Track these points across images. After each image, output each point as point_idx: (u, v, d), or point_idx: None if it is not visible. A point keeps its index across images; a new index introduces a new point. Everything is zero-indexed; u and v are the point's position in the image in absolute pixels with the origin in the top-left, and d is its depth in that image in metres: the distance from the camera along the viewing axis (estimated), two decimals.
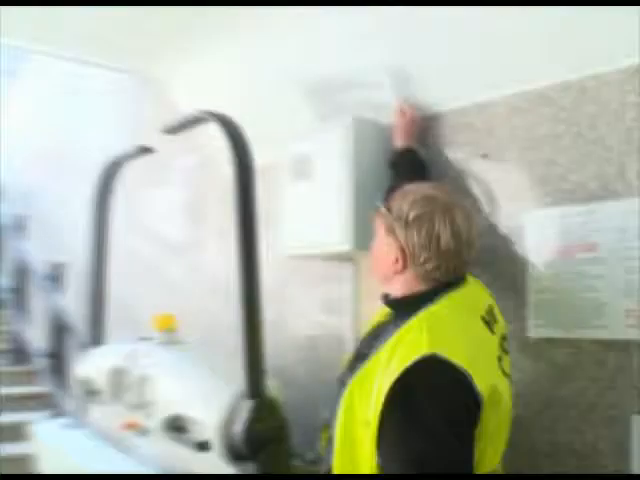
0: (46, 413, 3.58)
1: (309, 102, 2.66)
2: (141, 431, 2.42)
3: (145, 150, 2.70)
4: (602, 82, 1.87)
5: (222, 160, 3.34)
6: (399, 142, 2.26)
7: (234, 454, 1.99)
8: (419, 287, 1.62)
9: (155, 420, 2.28)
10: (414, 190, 1.64)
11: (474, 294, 1.68)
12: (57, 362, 4.89)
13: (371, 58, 2.33)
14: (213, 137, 3.17)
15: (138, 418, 2.42)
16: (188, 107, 2.92)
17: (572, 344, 1.92)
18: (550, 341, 1.98)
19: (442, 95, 2.29)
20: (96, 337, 3.01)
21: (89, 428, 2.77)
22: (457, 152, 2.28)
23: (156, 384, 2.33)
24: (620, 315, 1.79)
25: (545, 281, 1.99)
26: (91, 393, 2.74)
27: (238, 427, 1.95)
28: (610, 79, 1.86)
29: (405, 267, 1.61)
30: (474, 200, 2.19)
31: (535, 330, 2.01)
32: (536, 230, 2.03)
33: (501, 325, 1.69)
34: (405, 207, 1.59)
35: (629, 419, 1.79)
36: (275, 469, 2.00)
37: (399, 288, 1.66)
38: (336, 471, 1.59)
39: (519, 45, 1.96)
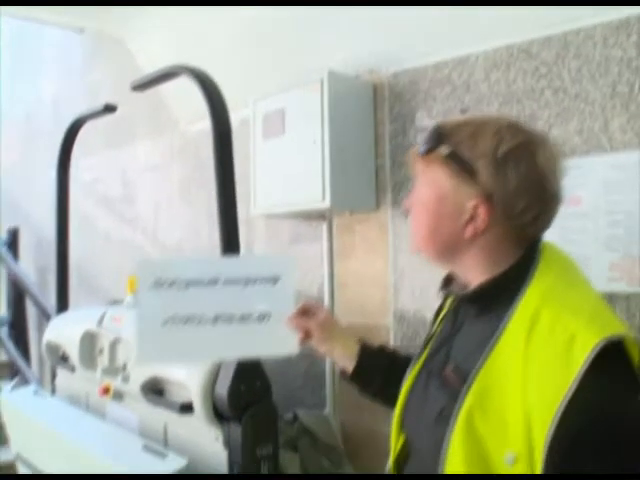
0: (10, 382, 3.50)
1: (278, 57, 2.60)
2: (117, 395, 2.38)
3: (109, 108, 2.62)
4: (585, 36, 1.87)
5: (186, 119, 3.31)
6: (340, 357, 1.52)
7: (218, 415, 1.97)
8: (510, 253, 1.15)
9: (132, 384, 2.25)
10: (486, 119, 1.19)
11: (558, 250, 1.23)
12: (18, 330, 4.77)
13: (348, 11, 2.27)
14: (177, 97, 3.15)
15: (113, 382, 2.38)
16: (149, 65, 2.86)
17: None
18: None
19: (422, 49, 2.26)
20: (62, 303, 2.94)
21: (59, 394, 2.73)
22: (437, 106, 2.26)
23: (132, 347, 2.29)
24: (604, 269, 1.82)
25: None
26: (62, 359, 2.69)
27: (222, 388, 1.93)
28: (594, 33, 1.86)
29: (489, 225, 1.12)
30: None
31: None
32: None
33: None
34: (489, 140, 1.12)
35: None
36: (259, 430, 1.98)
37: (479, 262, 1.17)
38: None
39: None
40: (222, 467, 1.97)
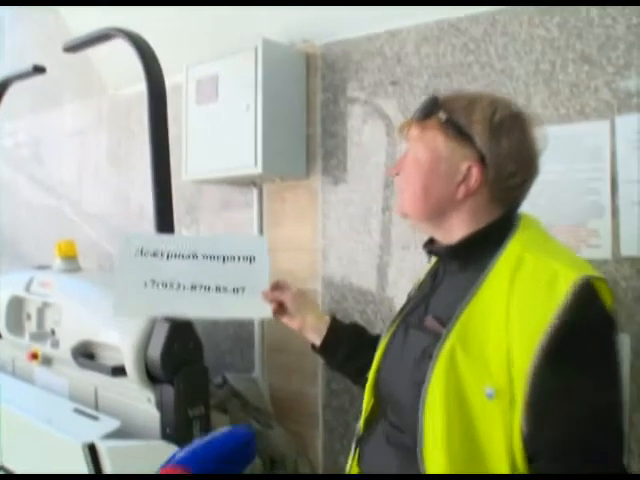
0: None
1: (212, 25, 2.59)
2: (45, 360, 2.37)
3: (38, 69, 2.55)
4: (512, 15, 1.96)
5: (116, 84, 3.25)
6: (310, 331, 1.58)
7: (150, 377, 1.99)
8: (493, 214, 1.24)
9: (62, 348, 2.24)
10: (480, 93, 1.31)
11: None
12: None
13: None
14: (107, 61, 3.10)
15: (42, 348, 2.36)
16: (78, 28, 2.80)
17: None
18: None
19: (355, 21, 2.30)
20: None
21: None
22: (368, 77, 2.32)
23: (62, 312, 2.28)
24: None
25: None
26: None
27: (155, 350, 1.95)
28: (519, 12, 1.94)
29: (479, 186, 1.21)
30: (388, 122, 2.24)
31: None
32: None
33: None
34: (485, 108, 1.21)
35: None
36: (191, 391, 2.01)
37: (465, 221, 1.24)
38: (450, 469, 1.10)
39: None
40: (154, 428, 2.00)
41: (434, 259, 1.41)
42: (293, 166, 2.47)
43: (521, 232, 1.20)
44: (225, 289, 1.47)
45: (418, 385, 1.14)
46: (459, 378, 1.10)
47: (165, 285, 1.46)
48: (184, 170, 2.54)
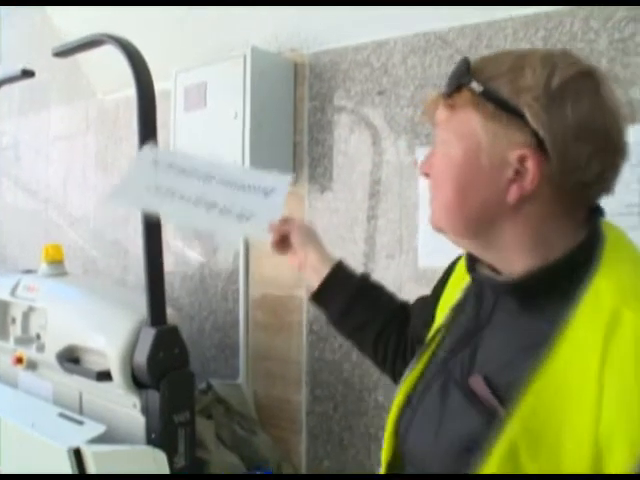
0: None
1: (200, 31, 2.61)
2: (30, 365, 2.37)
3: (27, 73, 2.56)
4: (497, 28, 1.99)
5: (104, 89, 3.26)
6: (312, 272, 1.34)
7: (136, 383, 2.01)
8: (564, 224, 0.86)
9: (47, 353, 2.24)
10: (528, 49, 0.89)
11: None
12: None
13: None
14: (95, 65, 3.11)
15: (26, 352, 2.36)
16: (67, 32, 2.81)
17: None
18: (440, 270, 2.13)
19: (343, 32, 2.33)
20: None
21: None
22: (355, 87, 2.35)
23: (48, 316, 2.28)
24: None
25: None
26: None
27: (141, 356, 1.96)
28: (505, 26, 1.98)
29: (539, 184, 0.82)
30: (375, 132, 2.27)
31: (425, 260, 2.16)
32: None
33: None
34: (540, 69, 0.82)
35: None
36: (176, 396, 2.03)
37: (524, 238, 0.86)
38: None
39: None
40: (140, 433, 2.01)
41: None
42: (280, 173, 2.48)
43: (611, 264, 0.82)
44: (229, 212, 1.36)
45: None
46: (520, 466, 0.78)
47: (169, 193, 1.38)
48: None
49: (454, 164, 0.87)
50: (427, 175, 0.94)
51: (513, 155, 0.82)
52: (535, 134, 0.80)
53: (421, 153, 2.16)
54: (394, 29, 2.20)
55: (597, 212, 0.89)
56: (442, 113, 0.90)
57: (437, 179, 0.91)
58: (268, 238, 1.33)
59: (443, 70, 2.11)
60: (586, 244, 0.84)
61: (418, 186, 2.17)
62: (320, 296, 1.30)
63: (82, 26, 2.37)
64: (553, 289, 0.83)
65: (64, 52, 2.17)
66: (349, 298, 1.28)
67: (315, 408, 2.45)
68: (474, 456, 0.80)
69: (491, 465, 0.78)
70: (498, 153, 0.83)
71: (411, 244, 2.19)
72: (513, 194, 0.83)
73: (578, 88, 0.81)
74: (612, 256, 0.83)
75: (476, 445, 0.80)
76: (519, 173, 0.82)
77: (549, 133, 0.79)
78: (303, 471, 2.48)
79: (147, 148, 1.51)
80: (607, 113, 0.82)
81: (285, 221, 1.34)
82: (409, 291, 2.19)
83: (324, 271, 1.29)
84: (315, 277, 1.30)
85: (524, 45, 1.93)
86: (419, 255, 2.17)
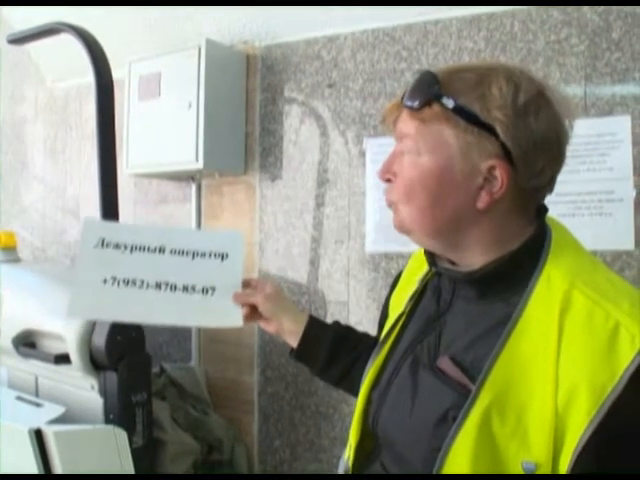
0: None
1: (153, 23, 2.65)
2: None
3: None
4: (442, 27, 2.11)
5: (54, 76, 3.25)
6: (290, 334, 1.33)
7: (95, 365, 2.05)
8: (520, 225, 0.96)
9: (3, 337, 2.26)
10: (487, 65, 0.99)
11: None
12: None
13: None
14: (45, 53, 3.10)
15: None
16: (19, 21, 2.80)
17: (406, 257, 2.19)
18: (387, 255, 2.25)
19: (295, 26, 2.42)
20: None
21: None
22: (306, 79, 2.44)
23: (2, 301, 2.30)
24: None
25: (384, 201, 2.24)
26: None
27: (99, 339, 2.01)
28: (450, 25, 2.10)
29: (506, 189, 0.92)
30: (324, 123, 2.36)
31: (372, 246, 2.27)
32: (375, 156, 2.26)
33: None
34: (506, 87, 0.91)
35: None
36: (134, 378, 2.08)
37: (487, 237, 0.96)
38: None
39: None
40: (98, 414, 2.05)
41: (419, 262, 1.15)
42: (232, 162, 2.57)
43: (559, 253, 0.94)
44: (193, 288, 1.29)
45: (435, 452, 0.90)
46: (493, 451, 0.87)
47: (127, 282, 1.29)
48: (125, 164, 2.60)
49: (428, 174, 0.94)
50: (388, 181, 1.00)
51: (484, 165, 0.91)
52: (503, 146, 0.89)
53: (369, 144, 2.26)
54: (345, 25, 2.29)
55: (543, 209, 1.00)
56: (408, 124, 0.96)
57: (407, 187, 0.96)
58: (240, 322, 1.27)
59: (390, 65, 2.22)
60: (535, 237, 0.95)
61: (366, 175, 2.28)
62: (301, 354, 1.32)
63: (32, 15, 2.39)
64: (508, 278, 0.94)
65: (19, 40, 2.19)
66: (329, 351, 1.31)
67: (267, 389, 2.54)
68: (450, 427, 0.88)
69: (467, 433, 0.87)
70: (469, 163, 0.91)
71: (359, 230, 2.30)
72: (483, 200, 0.92)
73: (538, 104, 0.91)
74: (558, 247, 0.95)
75: (451, 417, 0.89)
76: (487, 181, 0.91)
77: (515, 145, 0.89)
78: (255, 450, 2.57)
79: (88, 225, 1.36)
80: (558, 125, 0.93)
81: (249, 285, 1.30)
82: (357, 274, 2.31)
83: (299, 330, 1.30)
84: (292, 338, 1.31)
85: (468, 43, 2.06)
86: (366, 241, 2.28)
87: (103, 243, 1.31)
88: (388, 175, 1.00)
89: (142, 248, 1.32)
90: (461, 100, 0.91)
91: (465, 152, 0.91)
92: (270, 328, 1.31)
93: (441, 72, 0.95)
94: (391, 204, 1.01)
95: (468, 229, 0.95)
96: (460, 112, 0.90)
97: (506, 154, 0.90)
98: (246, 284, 1.29)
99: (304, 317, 1.32)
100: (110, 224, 1.52)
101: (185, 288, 1.29)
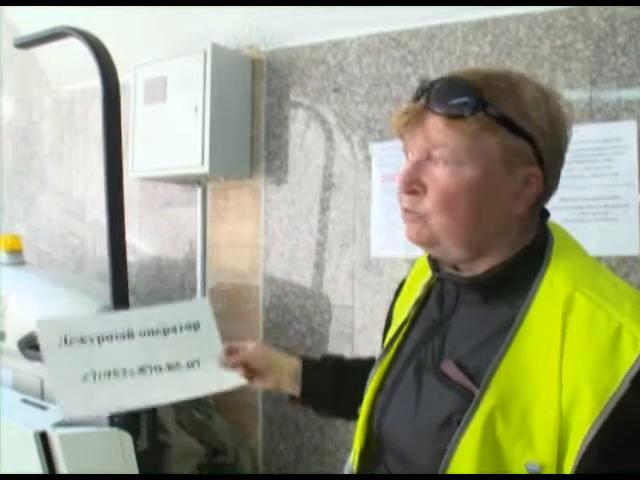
0: None
1: (160, 27, 2.66)
2: None
3: None
4: (448, 32, 2.11)
5: (59, 80, 3.27)
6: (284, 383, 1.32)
7: None
8: (528, 226, 0.97)
9: (8, 340, 2.27)
10: (510, 73, 0.96)
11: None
12: None
13: None
14: (50, 57, 3.11)
15: None
16: (25, 25, 2.81)
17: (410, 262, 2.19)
18: (391, 260, 2.25)
19: (301, 30, 2.42)
20: None
21: None
22: (312, 84, 2.45)
23: (8, 304, 2.31)
24: None
25: (389, 205, 2.24)
26: None
27: None
28: (456, 30, 2.10)
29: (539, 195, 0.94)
30: (330, 127, 2.37)
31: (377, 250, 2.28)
32: (381, 160, 2.26)
33: None
34: (538, 96, 0.93)
35: None
36: None
37: (509, 245, 0.96)
38: None
39: None
40: (102, 417, 2.05)
41: (422, 267, 1.15)
42: (238, 166, 2.57)
43: (561, 256, 0.94)
44: (178, 365, 1.27)
45: (441, 455, 0.90)
46: (497, 453, 0.87)
47: (108, 374, 1.24)
48: (130, 167, 2.61)
49: (471, 185, 0.91)
50: (415, 192, 0.95)
51: (522, 172, 0.92)
52: (539, 155, 0.91)
53: (375, 148, 2.27)
54: (350, 29, 2.30)
55: (545, 213, 1.00)
56: (446, 132, 0.91)
57: (446, 198, 0.92)
58: (242, 381, 1.25)
59: (396, 70, 2.22)
60: (538, 242, 0.95)
61: (371, 179, 2.28)
62: (305, 400, 1.31)
63: (38, 17, 2.39)
64: (512, 282, 0.94)
65: (26, 44, 2.19)
66: (334, 388, 1.30)
67: (271, 393, 2.54)
68: (454, 430, 0.88)
69: (471, 435, 0.87)
70: (509, 171, 0.92)
71: (364, 234, 2.30)
72: (520, 207, 0.93)
73: (560, 113, 0.94)
74: (560, 250, 0.95)
75: (455, 420, 0.89)
76: (522, 187, 0.92)
77: (548, 154, 0.92)
78: (260, 454, 2.57)
79: (43, 327, 1.29)
80: (569, 132, 0.96)
81: (231, 351, 1.28)
82: (362, 278, 2.31)
83: (298, 377, 1.29)
84: (291, 387, 1.30)
85: (473, 48, 2.06)
86: (371, 245, 2.29)
87: (66, 341, 1.25)
88: (415, 186, 0.95)
89: (109, 337, 1.27)
90: (501, 108, 0.90)
91: (506, 161, 0.91)
92: (268, 385, 1.29)
93: (471, 79, 0.93)
94: (415, 216, 0.96)
95: (498, 236, 0.95)
96: (504, 121, 0.90)
97: (539, 161, 0.92)
98: (228, 351, 1.27)
99: (296, 362, 1.31)
100: (67, 320, 1.38)
101: (170, 367, 1.27)
